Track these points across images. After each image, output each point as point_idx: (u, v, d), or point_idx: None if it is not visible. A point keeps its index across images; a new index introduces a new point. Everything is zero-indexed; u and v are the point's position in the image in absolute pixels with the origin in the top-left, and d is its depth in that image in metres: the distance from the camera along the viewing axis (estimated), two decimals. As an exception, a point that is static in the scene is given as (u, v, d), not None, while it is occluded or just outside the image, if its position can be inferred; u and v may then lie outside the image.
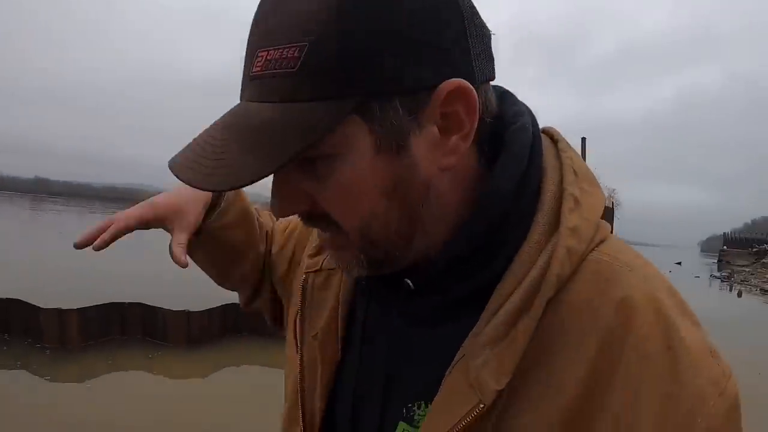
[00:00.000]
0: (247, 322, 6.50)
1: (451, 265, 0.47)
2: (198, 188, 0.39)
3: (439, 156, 0.43)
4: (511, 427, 0.43)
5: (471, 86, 0.41)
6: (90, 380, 5.10)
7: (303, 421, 0.58)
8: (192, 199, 0.70)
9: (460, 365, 0.45)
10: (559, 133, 0.52)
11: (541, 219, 0.45)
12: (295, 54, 0.38)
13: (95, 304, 6.08)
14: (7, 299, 6.00)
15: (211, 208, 0.73)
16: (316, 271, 0.61)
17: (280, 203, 0.44)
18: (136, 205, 0.71)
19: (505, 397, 0.43)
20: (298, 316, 0.61)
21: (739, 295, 19.61)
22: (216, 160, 0.39)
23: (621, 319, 0.42)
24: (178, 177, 0.40)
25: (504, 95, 0.51)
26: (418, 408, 0.49)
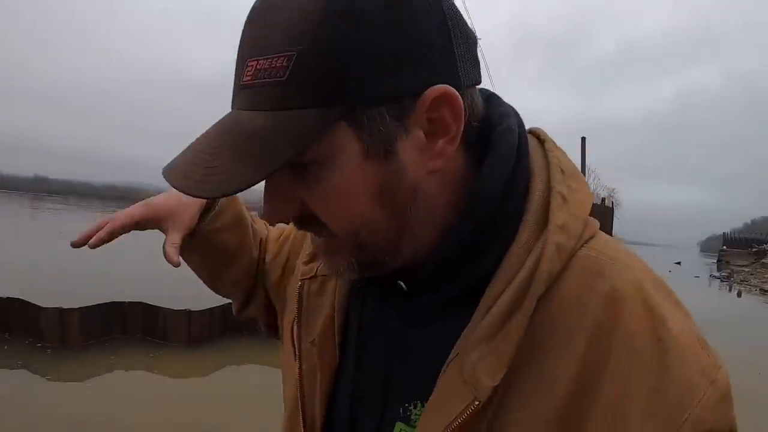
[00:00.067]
0: (248, 322, 6.49)
1: (440, 267, 0.47)
2: (190, 195, 0.40)
3: (426, 160, 0.44)
4: (505, 424, 0.43)
5: (456, 92, 0.42)
6: (91, 379, 5.11)
7: (304, 426, 0.59)
8: (187, 202, 0.71)
9: (454, 363, 0.45)
10: (545, 133, 0.53)
11: (530, 217, 0.46)
12: (284, 63, 0.39)
13: (96, 303, 6.09)
14: (8, 298, 6.01)
15: (205, 210, 0.74)
16: (311, 278, 0.62)
17: (271, 208, 0.45)
18: (133, 206, 0.72)
19: (500, 394, 0.43)
20: (295, 322, 0.62)
21: (739, 295, 19.61)
22: (208, 167, 0.40)
23: (609, 313, 0.43)
24: (171, 184, 0.41)
25: (490, 98, 0.52)
26: (415, 407, 0.49)
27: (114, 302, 6.23)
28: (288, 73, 0.39)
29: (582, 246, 0.46)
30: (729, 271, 33.13)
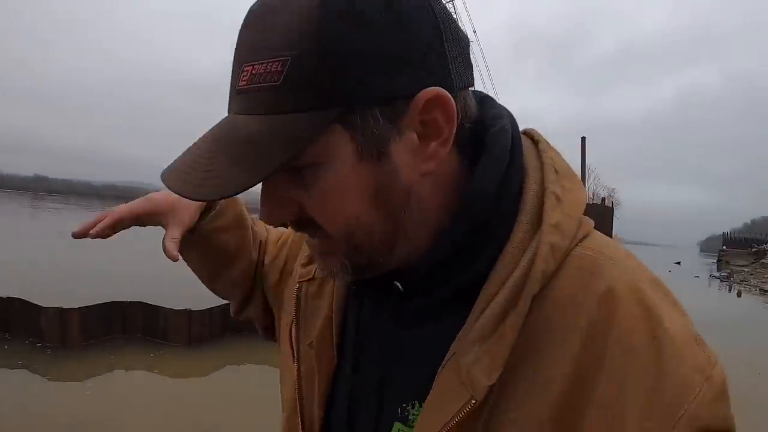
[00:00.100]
0: (248, 322, 6.47)
1: (434, 268, 0.48)
2: (188, 198, 0.41)
3: (418, 162, 0.44)
4: (501, 423, 0.44)
5: (448, 94, 0.42)
6: (91, 379, 5.11)
7: (302, 428, 0.59)
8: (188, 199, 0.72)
9: (450, 363, 0.45)
10: (539, 134, 0.53)
11: (524, 218, 0.46)
12: (278, 68, 0.39)
13: (96, 303, 6.09)
14: (8, 298, 6.01)
15: (206, 210, 0.75)
16: (309, 280, 0.62)
17: (269, 210, 0.46)
18: (134, 200, 0.73)
19: (496, 393, 0.44)
20: (293, 324, 0.62)
21: (739, 295, 19.62)
22: (205, 171, 0.40)
23: (604, 312, 0.43)
24: (170, 188, 0.42)
25: (484, 100, 0.52)
26: (412, 408, 0.49)
27: (114, 302, 6.24)
28: (282, 77, 0.39)
29: (577, 245, 0.46)
30: (729, 271, 33.15)
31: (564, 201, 0.47)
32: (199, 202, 0.73)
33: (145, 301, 6.36)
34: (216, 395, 4.91)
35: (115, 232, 0.71)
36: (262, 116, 0.41)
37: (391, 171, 0.44)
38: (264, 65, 0.40)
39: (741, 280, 26.61)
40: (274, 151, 0.40)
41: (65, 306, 5.85)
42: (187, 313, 6.21)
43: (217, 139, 0.42)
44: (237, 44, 0.43)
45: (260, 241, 0.81)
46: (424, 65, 0.42)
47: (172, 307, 6.25)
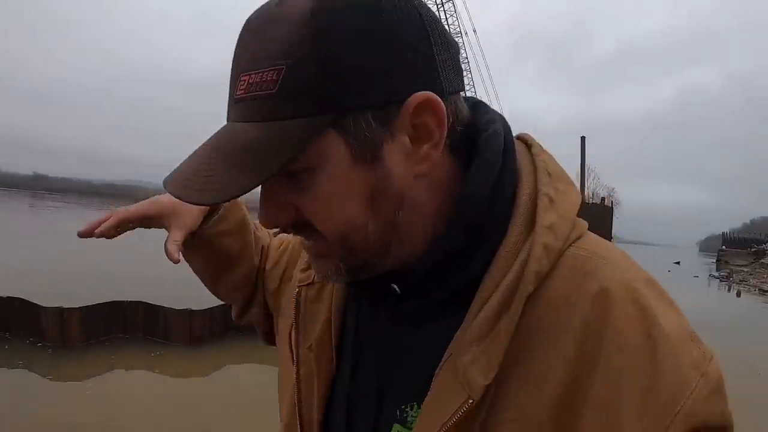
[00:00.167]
0: (250, 325, 6.49)
1: (430, 271, 0.48)
2: (190, 203, 0.43)
3: (411, 165, 0.46)
4: (499, 423, 0.44)
5: (438, 98, 0.44)
6: (91, 379, 5.11)
7: (301, 431, 0.60)
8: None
9: (448, 364, 0.46)
10: (532, 138, 0.54)
11: (518, 220, 0.47)
12: (274, 77, 0.41)
13: (97, 302, 6.09)
14: (9, 298, 6.01)
15: (209, 214, 0.76)
16: (308, 285, 0.63)
17: (267, 214, 0.47)
18: (140, 202, 0.74)
19: (492, 394, 0.44)
20: (293, 328, 0.63)
21: (738, 295, 19.63)
22: (206, 176, 0.42)
23: (597, 312, 0.43)
24: (171, 193, 0.43)
25: (476, 105, 0.54)
26: (411, 409, 0.50)
27: (115, 302, 6.24)
28: (278, 86, 0.41)
29: (570, 246, 0.47)
30: (728, 271, 33.17)
31: (557, 203, 0.48)
32: (202, 208, 0.74)
33: (145, 300, 6.36)
34: (217, 395, 4.92)
35: (120, 233, 0.73)
36: (259, 123, 0.42)
37: (385, 173, 0.45)
38: (260, 74, 0.42)
39: (740, 280, 26.64)
40: (271, 156, 0.41)
41: (66, 305, 5.84)
42: (188, 313, 6.21)
43: (217, 147, 0.44)
44: (234, 54, 0.45)
45: (262, 246, 0.82)
46: (414, 71, 0.43)
47: (173, 307, 6.25)
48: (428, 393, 0.47)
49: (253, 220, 0.82)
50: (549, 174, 0.49)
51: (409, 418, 0.50)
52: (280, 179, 0.45)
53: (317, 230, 0.47)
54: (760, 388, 6.19)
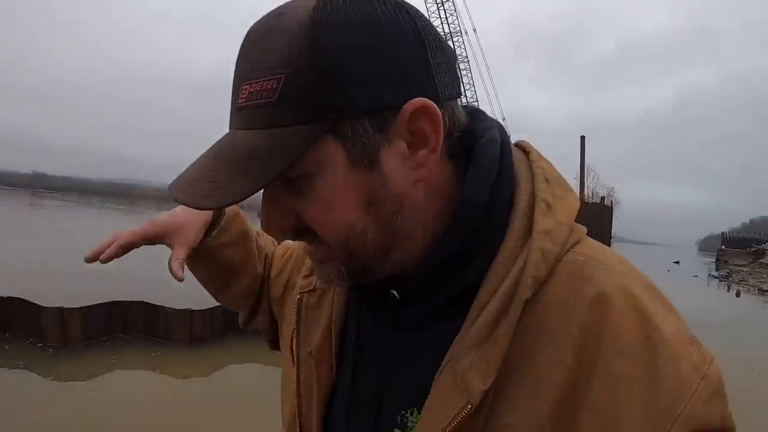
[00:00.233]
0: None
1: (429, 276, 0.49)
2: (194, 207, 0.44)
3: (409, 170, 0.46)
4: (498, 428, 0.44)
5: (434, 104, 0.44)
6: (92, 380, 5.12)
7: None
8: (193, 219, 0.75)
9: (447, 369, 0.46)
10: (530, 145, 0.54)
11: (516, 226, 0.47)
12: (274, 85, 0.42)
13: (97, 302, 6.09)
14: (9, 298, 6.01)
15: (211, 227, 0.78)
16: (309, 291, 0.64)
17: (268, 219, 0.48)
18: (141, 223, 0.76)
19: (491, 399, 0.44)
20: (294, 334, 0.64)
21: (738, 295, 19.64)
22: (210, 182, 0.43)
23: (595, 317, 0.43)
24: (177, 200, 0.44)
25: (474, 113, 0.54)
26: (411, 414, 0.50)
27: (115, 302, 6.23)
28: (277, 94, 0.42)
29: (568, 251, 0.47)
30: (728, 270, 33.17)
31: (555, 208, 0.48)
32: (204, 220, 0.77)
33: (146, 300, 6.36)
34: (217, 395, 4.92)
35: (124, 254, 0.74)
36: (260, 130, 0.43)
37: (383, 178, 0.45)
38: (260, 83, 0.43)
39: (740, 280, 26.66)
40: (272, 162, 0.42)
41: (66, 305, 5.84)
42: (189, 313, 6.22)
43: (220, 154, 0.45)
44: (236, 64, 0.46)
45: (266, 255, 0.84)
46: (410, 77, 0.44)
47: (174, 307, 6.24)
48: (427, 398, 0.47)
49: (257, 229, 0.83)
50: (547, 180, 0.50)
51: (408, 424, 0.50)
52: (281, 185, 0.46)
53: (318, 235, 0.47)
54: (760, 388, 6.20)
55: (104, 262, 0.71)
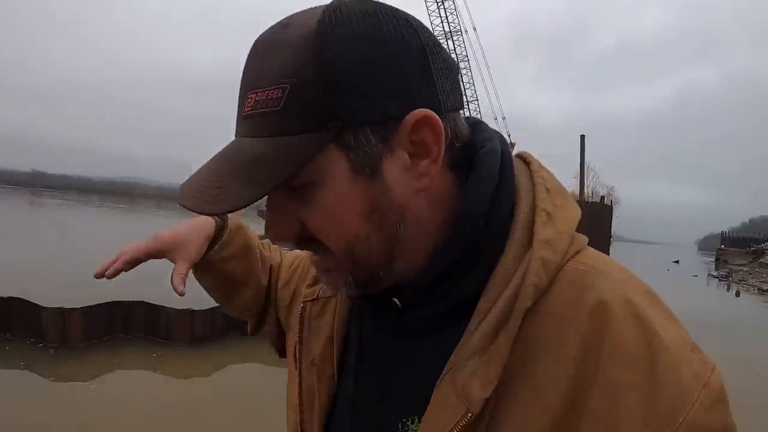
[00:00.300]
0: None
1: (431, 285, 0.49)
2: (201, 213, 0.45)
3: (411, 180, 0.47)
4: None
5: (436, 115, 0.45)
6: (93, 380, 5.12)
7: None
8: (195, 234, 0.77)
9: (447, 378, 0.46)
10: (531, 156, 0.55)
11: (516, 235, 0.48)
12: (279, 95, 0.43)
13: (98, 303, 6.08)
14: (9, 298, 6.00)
15: (213, 241, 0.80)
16: (313, 300, 0.65)
17: (273, 228, 0.49)
18: (144, 239, 0.78)
19: (492, 407, 0.44)
20: (297, 342, 0.65)
21: (737, 294, 19.65)
22: (217, 188, 0.44)
23: (595, 326, 0.43)
24: (185, 206, 0.45)
25: (476, 125, 0.55)
26: (412, 423, 0.50)
27: (116, 302, 6.23)
28: (283, 103, 0.43)
29: (569, 260, 0.47)
30: (727, 270, 33.18)
31: (555, 218, 0.48)
32: (206, 235, 0.79)
33: (147, 300, 6.36)
34: (218, 395, 4.91)
35: (130, 269, 0.76)
36: (266, 138, 0.44)
37: (385, 188, 0.46)
38: (266, 93, 0.44)
39: (739, 280, 26.66)
40: (277, 169, 0.43)
41: (67, 306, 5.84)
42: (190, 313, 6.21)
43: (225, 161, 0.46)
44: (243, 73, 0.47)
45: (270, 266, 0.86)
46: (414, 90, 0.45)
47: (174, 307, 6.23)
48: (428, 406, 0.47)
49: (263, 241, 0.84)
50: (547, 190, 0.50)
51: (409, 431, 0.50)
52: (285, 193, 0.46)
53: (323, 245, 0.48)
54: (760, 389, 6.20)
55: (110, 277, 0.74)
